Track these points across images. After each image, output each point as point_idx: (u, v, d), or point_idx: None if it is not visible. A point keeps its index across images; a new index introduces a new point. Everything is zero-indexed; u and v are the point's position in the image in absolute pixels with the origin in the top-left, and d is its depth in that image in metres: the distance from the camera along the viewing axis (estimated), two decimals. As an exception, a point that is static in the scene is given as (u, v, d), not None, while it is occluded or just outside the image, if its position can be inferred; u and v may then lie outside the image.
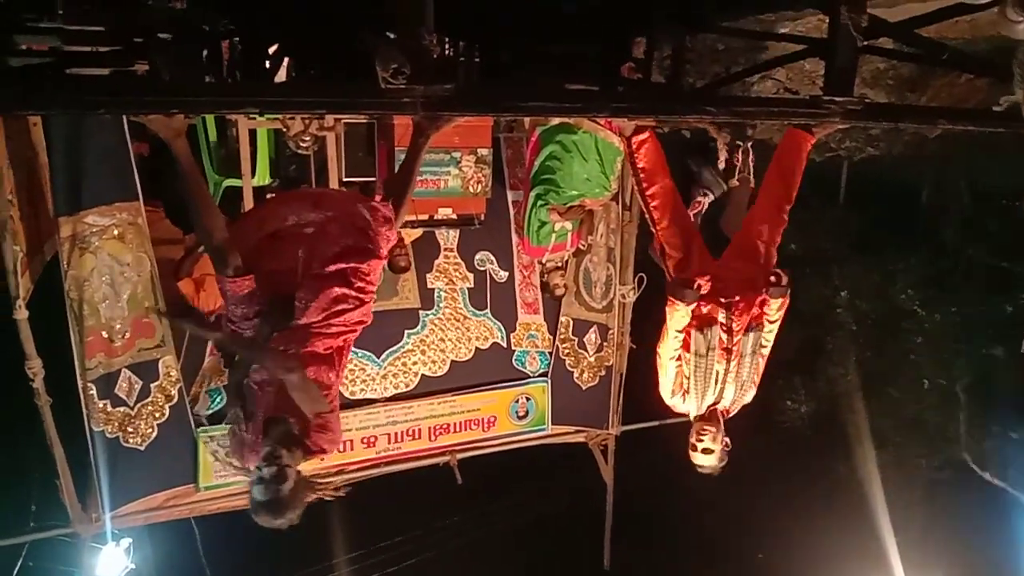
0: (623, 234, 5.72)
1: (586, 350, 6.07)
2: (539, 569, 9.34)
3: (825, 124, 3.19)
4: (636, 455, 6.55)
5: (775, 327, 3.55)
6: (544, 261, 5.63)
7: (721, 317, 3.44)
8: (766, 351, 3.58)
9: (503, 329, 5.83)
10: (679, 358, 3.54)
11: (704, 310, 3.45)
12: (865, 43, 2.89)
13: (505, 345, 5.85)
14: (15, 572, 6.88)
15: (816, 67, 5.33)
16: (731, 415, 3.63)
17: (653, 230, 3.69)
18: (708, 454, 3.50)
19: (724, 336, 3.45)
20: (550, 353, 5.97)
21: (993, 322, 8.98)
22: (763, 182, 3.64)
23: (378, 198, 2.99)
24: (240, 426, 2.70)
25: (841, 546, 8.35)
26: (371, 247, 2.88)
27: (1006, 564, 7.83)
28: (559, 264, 5.72)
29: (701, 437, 3.53)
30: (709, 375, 3.49)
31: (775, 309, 3.47)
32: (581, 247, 5.60)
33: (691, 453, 3.59)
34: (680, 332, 3.49)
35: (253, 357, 2.77)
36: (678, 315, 3.44)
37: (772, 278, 3.44)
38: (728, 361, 3.49)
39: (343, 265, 2.80)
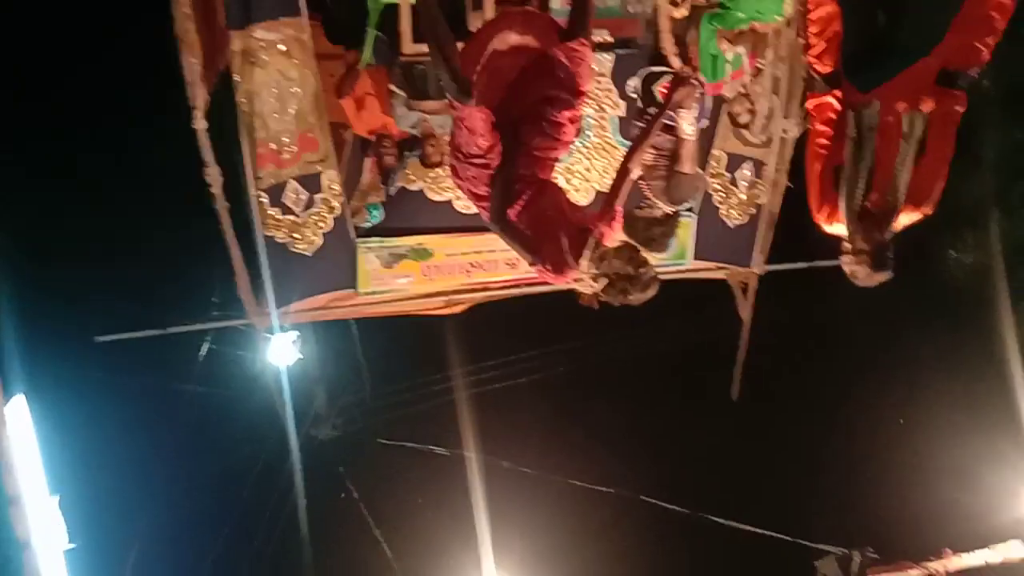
0: (793, 63, 5.28)
1: (737, 187, 5.85)
2: (667, 395, 9.65)
3: None
4: (779, 298, 6.44)
5: (948, 126, 3.24)
6: (726, 93, 5.34)
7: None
8: (945, 153, 3.25)
9: (652, 160, 5.69)
10: (826, 146, 3.35)
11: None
12: None
13: (651, 176, 5.73)
14: (201, 353, 7.89)
15: None
16: (894, 226, 3.28)
17: (805, 56, 3.44)
18: (861, 255, 3.26)
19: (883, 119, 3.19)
20: (699, 187, 5.80)
21: None
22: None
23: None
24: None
25: (985, 411, 8.09)
26: (571, 95, 3.02)
27: None
28: (741, 90, 5.39)
29: (851, 239, 3.28)
30: (865, 163, 3.22)
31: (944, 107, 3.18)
32: (759, 65, 5.24)
33: (843, 260, 3.34)
34: (825, 126, 3.32)
35: None
36: (823, 106, 3.31)
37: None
38: (886, 141, 3.20)
39: (549, 114, 2.99)
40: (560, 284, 3.11)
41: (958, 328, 8.80)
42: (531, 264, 3.10)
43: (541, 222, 2.98)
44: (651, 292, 2.95)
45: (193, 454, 8.25)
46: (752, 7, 4.64)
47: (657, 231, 4.74)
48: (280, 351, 5.80)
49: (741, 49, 4.76)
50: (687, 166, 4.49)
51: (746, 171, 5.78)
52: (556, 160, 3.17)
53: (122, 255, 7.37)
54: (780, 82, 5.31)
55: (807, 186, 3.56)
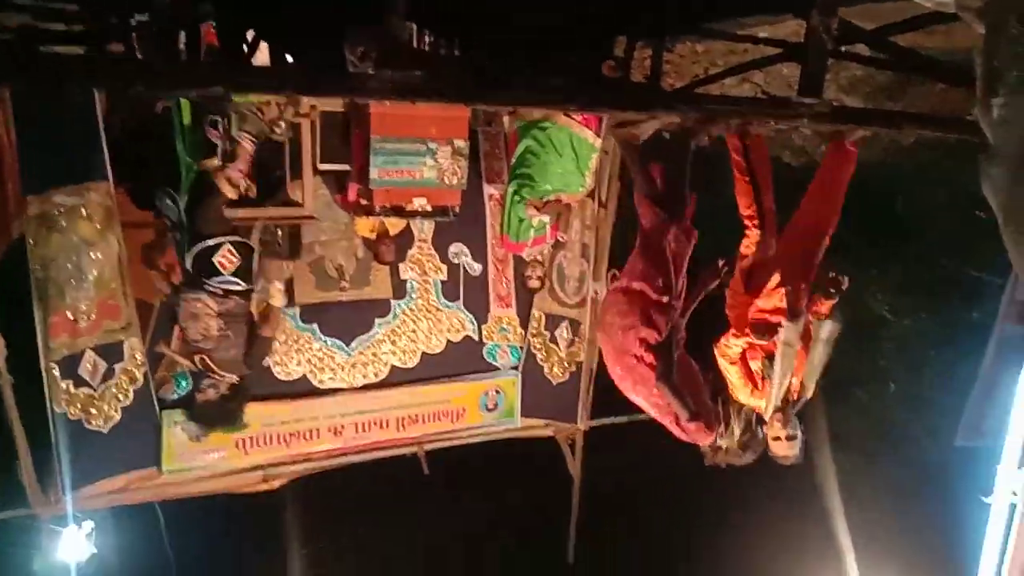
0: (598, 230, 5.73)
1: (557, 345, 6.08)
2: (503, 561, 9.35)
3: (854, 130, 3.33)
4: (604, 451, 6.58)
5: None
6: (524, 256, 5.65)
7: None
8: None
9: (475, 322, 5.83)
10: (742, 356, 3.79)
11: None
12: (839, 48, 2.93)
13: (477, 338, 5.84)
14: (-28, 553, 6.80)
15: (793, 71, 5.37)
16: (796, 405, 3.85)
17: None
18: (792, 440, 3.74)
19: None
20: (521, 347, 5.97)
21: (960, 329, 9.09)
22: (804, 200, 3.74)
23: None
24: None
25: (801, 545, 8.44)
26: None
27: (961, 567, 7.95)
28: (538, 257, 5.73)
29: (784, 427, 3.72)
30: (790, 366, 3.65)
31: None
32: (560, 239, 5.62)
33: (773, 446, 3.75)
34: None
35: None
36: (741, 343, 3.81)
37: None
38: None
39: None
40: (701, 441, 3.36)
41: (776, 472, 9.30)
42: (687, 420, 3.27)
43: (688, 381, 3.30)
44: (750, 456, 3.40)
45: None
46: (558, 181, 5.05)
47: (231, 406, 4.60)
48: (70, 545, 5.13)
49: (547, 218, 5.10)
50: (269, 330, 4.64)
51: (564, 330, 6.05)
52: None
53: None
54: (588, 248, 5.72)
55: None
